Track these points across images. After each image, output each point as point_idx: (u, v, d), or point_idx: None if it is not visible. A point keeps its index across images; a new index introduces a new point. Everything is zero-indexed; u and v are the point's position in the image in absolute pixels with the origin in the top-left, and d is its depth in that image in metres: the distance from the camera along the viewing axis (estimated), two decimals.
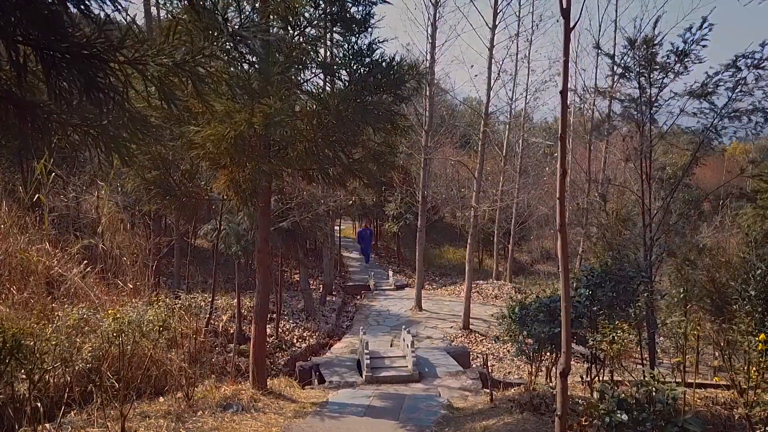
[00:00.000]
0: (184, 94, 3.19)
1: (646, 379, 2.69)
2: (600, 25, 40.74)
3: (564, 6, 2.80)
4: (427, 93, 14.52)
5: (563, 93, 2.90)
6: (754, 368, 2.93)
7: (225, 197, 6.47)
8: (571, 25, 2.81)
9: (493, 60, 14.11)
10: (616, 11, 23.08)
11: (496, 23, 13.87)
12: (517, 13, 17.69)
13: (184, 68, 2.76)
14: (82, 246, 8.69)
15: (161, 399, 5.91)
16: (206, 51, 2.88)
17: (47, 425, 4.17)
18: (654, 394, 2.52)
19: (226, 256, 11.70)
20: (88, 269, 8.31)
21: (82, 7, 2.31)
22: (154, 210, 10.47)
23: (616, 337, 3.75)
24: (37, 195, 8.79)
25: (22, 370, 3.39)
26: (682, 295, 7.55)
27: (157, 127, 2.96)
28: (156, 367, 6.23)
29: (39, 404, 3.72)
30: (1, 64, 2.54)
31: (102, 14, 2.50)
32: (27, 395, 3.56)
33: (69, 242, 9.07)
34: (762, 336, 3.13)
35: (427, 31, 14.51)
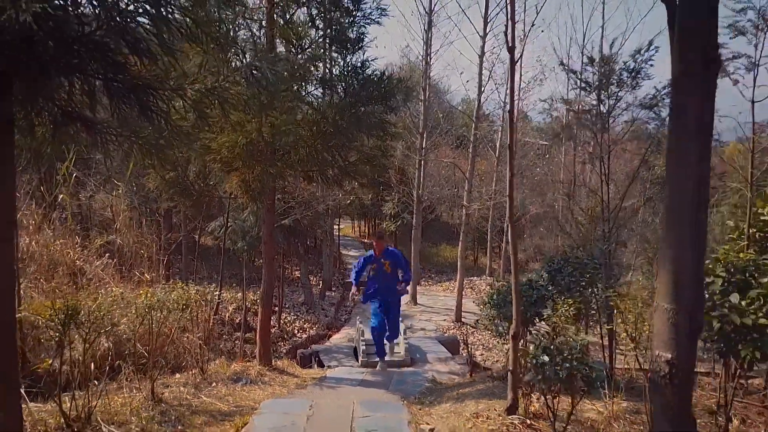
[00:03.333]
0: (211, 112, 3.99)
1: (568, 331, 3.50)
2: (584, 36, 42.07)
3: (509, 44, 3.58)
4: (422, 97, 15.31)
5: (511, 112, 3.70)
6: (647, 325, 3.68)
7: (235, 196, 7.27)
8: (516, 59, 3.60)
9: (483, 67, 14.91)
10: (603, 17, 23.75)
11: (487, 32, 14.67)
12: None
13: (213, 93, 3.56)
14: (103, 241, 9.51)
15: (177, 375, 6.71)
16: (230, 79, 3.68)
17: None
18: (571, 342, 3.32)
19: (231, 252, 12.50)
20: (108, 262, 9.14)
21: (147, 52, 3.08)
22: (170, 206, 11.28)
23: (563, 311, 4.53)
24: (59, 195, 9.62)
25: (77, 334, 4.18)
26: (640, 282, 8.36)
27: (189, 136, 3.78)
28: (174, 346, 7.04)
29: (93, 365, 4.53)
30: (75, 93, 3.32)
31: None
32: (81, 358, 4.35)
33: (89, 238, 9.91)
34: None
35: (422, 39, 15.32)
